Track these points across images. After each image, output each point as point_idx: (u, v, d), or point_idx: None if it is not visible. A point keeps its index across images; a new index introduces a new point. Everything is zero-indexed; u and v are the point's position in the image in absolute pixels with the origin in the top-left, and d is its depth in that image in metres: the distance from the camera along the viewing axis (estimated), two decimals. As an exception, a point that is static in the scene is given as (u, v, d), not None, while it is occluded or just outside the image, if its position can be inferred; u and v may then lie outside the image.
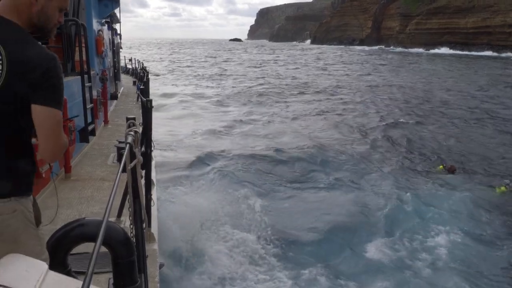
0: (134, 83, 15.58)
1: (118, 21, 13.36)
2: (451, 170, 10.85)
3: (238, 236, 6.41)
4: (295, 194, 9.00)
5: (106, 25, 10.56)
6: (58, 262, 1.83)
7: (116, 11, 11.00)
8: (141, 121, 3.79)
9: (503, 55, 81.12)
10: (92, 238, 1.92)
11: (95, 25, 8.36)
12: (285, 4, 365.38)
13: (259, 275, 5.57)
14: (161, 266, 3.22)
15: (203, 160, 10.43)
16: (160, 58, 64.20)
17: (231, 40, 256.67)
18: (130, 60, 21.98)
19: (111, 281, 1.96)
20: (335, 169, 10.94)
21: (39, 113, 1.58)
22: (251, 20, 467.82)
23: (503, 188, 9.86)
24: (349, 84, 30.57)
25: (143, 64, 20.12)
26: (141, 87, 7.81)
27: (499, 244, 7.03)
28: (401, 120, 16.97)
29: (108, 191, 4.45)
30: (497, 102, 21.80)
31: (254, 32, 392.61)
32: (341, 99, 22.71)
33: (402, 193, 9.02)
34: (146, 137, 2.85)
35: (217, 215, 7.02)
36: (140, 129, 2.04)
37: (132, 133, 1.94)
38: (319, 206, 8.31)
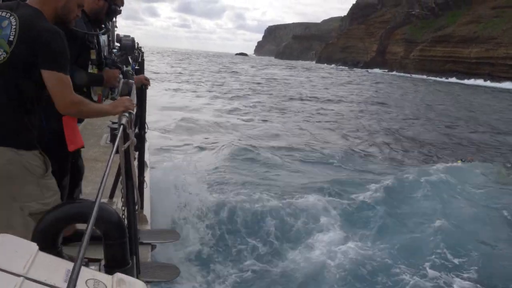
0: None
1: None
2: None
3: (229, 226, 6.48)
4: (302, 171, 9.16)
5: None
6: (49, 243, 1.83)
7: None
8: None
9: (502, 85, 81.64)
10: (84, 219, 1.96)
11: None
12: (293, 23, 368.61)
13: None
14: (153, 248, 3.27)
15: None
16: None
17: (237, 54, 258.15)
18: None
19: (103, 262, 2.01)
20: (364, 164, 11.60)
21: (46, 76, 1.94)
22: (259, 37, 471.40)
23: (459, 161, 11.98)
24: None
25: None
26: (136, 67, 7.77)
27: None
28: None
29: (101, 172, 4.51)
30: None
31: (260, 48, 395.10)
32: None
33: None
34: (140, 119, 2.92)
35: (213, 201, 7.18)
36: (134, 110, 2.13)
37: (126, 114, 2.04)
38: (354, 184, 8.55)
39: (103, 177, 1.54)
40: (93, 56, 2.72)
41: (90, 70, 2.71)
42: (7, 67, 1.96)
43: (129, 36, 2.90)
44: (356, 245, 6.17)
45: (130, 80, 2.89)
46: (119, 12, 2.85)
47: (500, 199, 8.70)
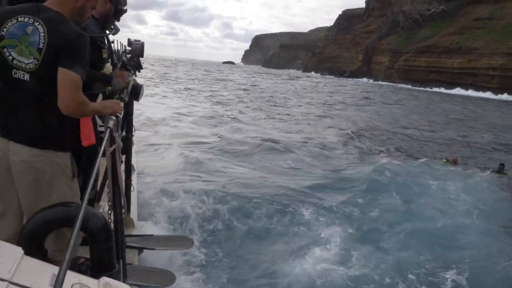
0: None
1: None
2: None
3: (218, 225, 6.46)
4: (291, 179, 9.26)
5: None
6: (35, 248, 1.84)
7: None
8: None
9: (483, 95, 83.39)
10: (70, 223, 1.99)
11: None
12: (280, 33, 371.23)
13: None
14: (140, 251, 3.24)
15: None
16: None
17: (224, 62, 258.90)
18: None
19: (89, 266, 1.99)
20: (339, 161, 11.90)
21: (61, 74, 1.99)
22: (246, 46, 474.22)
23: (444, 160, 12.70)
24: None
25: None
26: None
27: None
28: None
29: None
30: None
31: (248, 57, 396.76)
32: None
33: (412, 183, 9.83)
34: (127, 122, 2.92)
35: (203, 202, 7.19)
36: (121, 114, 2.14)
37: (113, 117, 2.04)
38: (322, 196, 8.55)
39: (89, 180, 1.52)
40: (105, 55, 2.83)
41: (104, 70, 2.85)
42: (39, 74, 2.01)
43: (139, 41, 3.00)
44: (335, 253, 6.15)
45: (139, 83, 2.97)
46: (125, 11, 2.96)
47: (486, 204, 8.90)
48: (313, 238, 6.64)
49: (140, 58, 3.09)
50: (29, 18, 2.01)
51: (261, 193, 8.28)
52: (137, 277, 2.97)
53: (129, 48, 2.97)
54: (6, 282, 1.23)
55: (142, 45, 2.99)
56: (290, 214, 7.50)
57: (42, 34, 1.98)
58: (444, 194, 9.09)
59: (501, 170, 11.63)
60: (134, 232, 3.28)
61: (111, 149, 1.98)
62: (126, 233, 2.59)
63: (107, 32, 2.85)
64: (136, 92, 2.94)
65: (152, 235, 3.55)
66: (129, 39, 3.01)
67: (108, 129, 1.96)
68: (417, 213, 7.94)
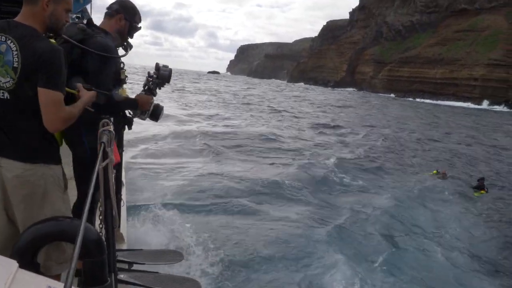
0: None
1: (89, 17, 13.53)
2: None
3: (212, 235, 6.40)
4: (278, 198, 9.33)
5: (77, 20, 10.70)
6: (28, 261, 1.80)
7: (88, 7, 11.20)
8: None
9: (465, 105, 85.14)
10: (63, 237, 1.96)
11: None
12: (265, 43, 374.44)
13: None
14: (130, 266, 3.23)
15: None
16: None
17: (209, 72, 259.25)
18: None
19: (81, 280, 1.99)
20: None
21: (41, 94, 1.97)
22: (231, 56, 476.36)
23: (434, 171, 12.89)
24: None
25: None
26: None
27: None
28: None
29: (75, 191, 4.52)
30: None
31: (233, 67, 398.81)
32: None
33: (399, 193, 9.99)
34: (118, 137, 2.94)
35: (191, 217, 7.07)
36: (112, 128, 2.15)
37: (106, 132, 2.06)
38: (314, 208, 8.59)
39: (87, 195, 1.55)
40: (123, 76, 2.84)
41: (120, 90, 2.85)
42: (18, 92, 1.99)
43: (167, 67, 3.01)
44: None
45: (160, 104, 3.01)
46: (139, 28, 2.96)
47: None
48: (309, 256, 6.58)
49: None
50: (1, 36, 1.97)
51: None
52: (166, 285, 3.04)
53: (156, 72, 2.98)
54: None
55: (170, 71, 2.98)
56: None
57: (15, 53, 1.95)
58: (429, 216, 9.10)
59: (480, 185, 11.61)
60: (124, 247, 3.27)
61: (104, 163, 2.00)
62: (116, 247, 2.59)
63: (121, 49, 2.87)
64: (156, 113, 2.98)
65: (141, 249, 3.54)
66: (157, 64, 2.97)
67: (102, 144, 1.99)
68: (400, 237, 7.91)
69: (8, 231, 2.09)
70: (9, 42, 1.96)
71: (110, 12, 2.87)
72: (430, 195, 10.49)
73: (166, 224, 6.41)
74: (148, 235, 5.48)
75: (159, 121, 3.12)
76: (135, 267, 3.28)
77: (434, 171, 13.10)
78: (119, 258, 2.88)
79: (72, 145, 2.76)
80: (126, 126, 3.04)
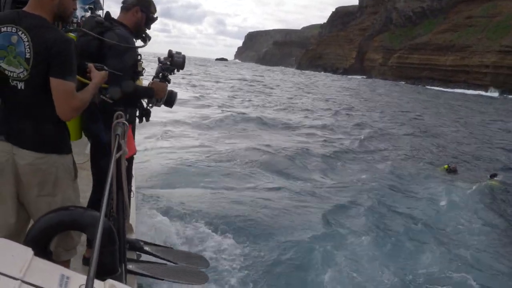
0: None
1: (101, 8, 13.46)
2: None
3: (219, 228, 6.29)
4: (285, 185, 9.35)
5: (90, 11, 10.67)
6: (42, 249, 1.86)
7: None
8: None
9: (476, 92, 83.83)
10: (75, 226, 2.03)
11: (79, 11, 8.50)
12: (274, 30, 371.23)
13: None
14: (138, 256, 3.29)
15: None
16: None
17: (217, 59, 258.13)
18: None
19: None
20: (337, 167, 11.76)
21: (54, 84, 2.01)
22: (239, 42, 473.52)
23: (445, 166, 12.45)
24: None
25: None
26: None
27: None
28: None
29: (86, 180, 4.53)
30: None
31: (241, 54, 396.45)
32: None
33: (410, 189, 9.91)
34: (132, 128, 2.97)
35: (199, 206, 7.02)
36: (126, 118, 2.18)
37: (120, 124, 2.10)
38: (318, 203, 8.51)
39: (105, 187, 1.57)
40: (140, 68, 2.88)
41: (137, 82, 2.88)
42: (32, 83, 2.02)
43: (180, 53, 3.01)
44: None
45: (174, 91, 3.04)
46: (156, 19, 3.00)
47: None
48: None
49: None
50: (12, 27, 1.99)
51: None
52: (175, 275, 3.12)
53: (169, 59, 2.97)
54: (19, 281, 1.27)
55: (183, 58, 2.99)
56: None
57: (26, 44, 1.98)
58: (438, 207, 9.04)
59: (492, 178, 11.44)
60: (133, 237, 3.32)
61: (118, 155, 2.03)
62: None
63: (140, 41, 2.92)
64: (171, 100, 3.01)
65: (152, 243, 3.58)
66: (170, 51, 2.98)
67: (117, 136, 2.01)
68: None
69: (19, 217, 2.14)
70: (20, 33, 1.98)
71: (126, 6, 2.90)
72: (441, 191, 10.30)
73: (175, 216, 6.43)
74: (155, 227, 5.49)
75: (173, 107, 3.14)
76: (144, 257, 3.33)
77: (445, 166, 12.67)
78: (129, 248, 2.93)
79: (90, 136, 2.83)
80: (144, 118, 3.06)
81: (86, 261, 2.91)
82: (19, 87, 2.04)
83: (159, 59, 3.03)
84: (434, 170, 12.56)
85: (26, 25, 1.99)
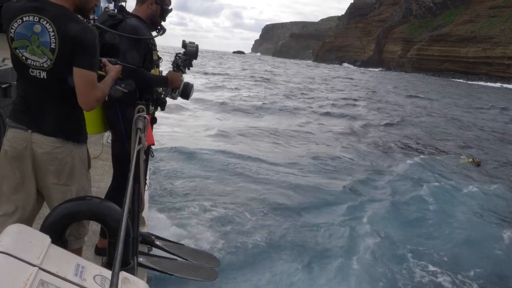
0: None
1: (124, 0, 13.39)
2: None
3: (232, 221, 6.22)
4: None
5: (113, 2, 10.73)
6: (56, 237, 1.87)
7: None
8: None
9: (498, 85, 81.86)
10: (91, 216, 2.06)
11: (103, 2, 8.50)
12: (291, 22, 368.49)
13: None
14: (149, 249, 3.33)
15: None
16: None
17: (234, 52, 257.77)
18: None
19: (105, 260, 2.03)
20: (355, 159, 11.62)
21: (77, 74, 2.02)
22: (256, 35, 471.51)
23: (471, 160, 12.34)
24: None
25: None
26: None
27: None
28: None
29: (101, 170, 4.51)
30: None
31: (258, 47, 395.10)
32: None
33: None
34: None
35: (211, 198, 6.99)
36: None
37: (142, 118, 2.12)
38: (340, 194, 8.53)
39: (128, 182, 1.59)
40: (155, 57, 2.91)
41: (152, 71, 2.93)
42: (56, 72, 2.03)
43: (193, 43, 3.05)
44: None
45: (190, 83, 3.09)
46: (170, 10, 3.04)
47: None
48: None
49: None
50: (34, 16, 1.97)
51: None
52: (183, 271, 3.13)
53: (183, 49, 3.05)
54: (36, 268, 1.30)
55: (196, 47, 3.05)
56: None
57: (52, 34, 1.97)
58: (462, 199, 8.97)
59: None
60: (145, 230, 3.36)
61: (137, 148, 2.05)
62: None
63: (155, 33, 2.95)
64: (187, 91, 3.06)
65: (163, 238, 3.58)
66: (184, 41, 3.05)
67: (138, 130, 2.04)
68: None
69: (36, 203, 2.19)
70: (44, 22, 1.97)
71: None
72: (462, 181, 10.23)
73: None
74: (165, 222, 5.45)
75: (189, 99, 3.17)
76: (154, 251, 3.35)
77: (470, 159, 12.59)
78: (141, 241, 2.95)
79: (111, 127, 2.89)
80: (159, 107, 3.10)
81: (98, 250, 2.96)
82: (41, 76, 2.03)
83: (176, 53, 3.09)
84: (457, 161, 12.46)
85: (51, 15, 1.98)
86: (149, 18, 2.93)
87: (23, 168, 2.09)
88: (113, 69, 2.31)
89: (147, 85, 2.86)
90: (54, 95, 2.09)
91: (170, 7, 3.03)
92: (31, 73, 2.03)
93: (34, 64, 2.01)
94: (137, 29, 2.70)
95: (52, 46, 1.98)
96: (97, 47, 2.06)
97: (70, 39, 1.98)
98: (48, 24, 1.97)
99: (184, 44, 3.04)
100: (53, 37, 1.97)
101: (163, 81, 2.95)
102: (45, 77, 2.03)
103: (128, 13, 2.87)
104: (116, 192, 2.84)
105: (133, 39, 2.66)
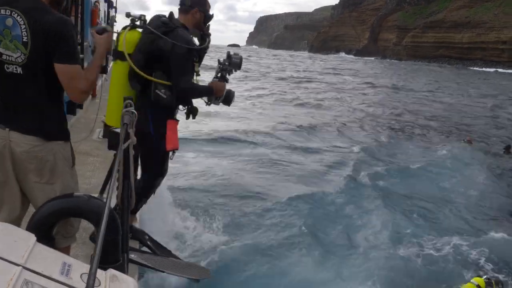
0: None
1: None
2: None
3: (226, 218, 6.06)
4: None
5: (106, 2, 10.51)
6: (44, 235, 1.87)
7: None
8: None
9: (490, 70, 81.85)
10: (78, 213, 2.06)
11: (102, 3, 8.33)
12: (285, 13, 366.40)
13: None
14: (141, 246, 3.31)
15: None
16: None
17: (229, 45, 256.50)
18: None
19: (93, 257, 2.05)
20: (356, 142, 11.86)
21: (59, 69, 1.98)
22: (250, 28, 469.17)
23: (462, 142, 12.77)
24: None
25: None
26: None
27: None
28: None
29: (91, 166, 4.44)
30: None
31: (252, 39, 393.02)
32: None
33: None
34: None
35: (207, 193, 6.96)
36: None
37: (129, 113, 2.12)
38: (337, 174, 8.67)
39: (111, 175, 1.58)
40: (197, 68, 3.01)
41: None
42: (30, 67, 1.97)
43: (238, 54, 3.15)
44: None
45: (232, 90, 3.23)
46: (212, 16, 3.13)
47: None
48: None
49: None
50: (6, 9, 1.90)
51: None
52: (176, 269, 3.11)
53: (227, 60, 3.17)
54: (20, 267, 1.28)
55: (240, 59, 3.17)
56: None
57: (23, 27, 1.90)
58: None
59: (507, 150, 11.72)
60: (137, 226, 3.33)
61: (125, 144, 2.03)
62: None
63: (200, 43, 3.07)
64: (229, 98, 3.20)
65: (154, 240, 3.50)
66: (228, 53, 3.17)
67: (125, 125, 2.04)
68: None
69: (21, 204, 2.14)
70: (15, 15, 1.90)
71: (185, 8, 3.04)
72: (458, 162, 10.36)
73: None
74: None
75: (231, 105, 3.31)
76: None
77: (461, 142, 12.88)
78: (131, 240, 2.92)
79: (137, 125, 2.90)
80: (191, 115, 3.18)
81: (93, 238, 2.94)
82: (17, 72, 1.97)
83: (218, 60, 3.19)
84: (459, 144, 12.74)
85: (23, 8, 1.91)
86: (194, 27, 3.03)
87: (4, 167, 2.03)
88: (101, 43, 2.22)
89: (194, 94, 3.04)
90: (31, 91, 2.02)
91: (212, 13, 3.14)
92: (7, 69, 1.97)
93: (9, 59, 1.95)
94: (190, 42, 2.85)
95: (24, 40, 1.92)
96: (73, 37, 2.00)
97: (42, 32, 1.91)
98: (19, 17, 1.90)
99: (229, 56, 3.15)
100: (25, 30, 1.90)
101: (210, 91, 3.08)
102: (21, 72, 1.97)
103: (177, 21, 2.97)
104: (145, 190, 3.11)
105: (186, 50, 2.79)
